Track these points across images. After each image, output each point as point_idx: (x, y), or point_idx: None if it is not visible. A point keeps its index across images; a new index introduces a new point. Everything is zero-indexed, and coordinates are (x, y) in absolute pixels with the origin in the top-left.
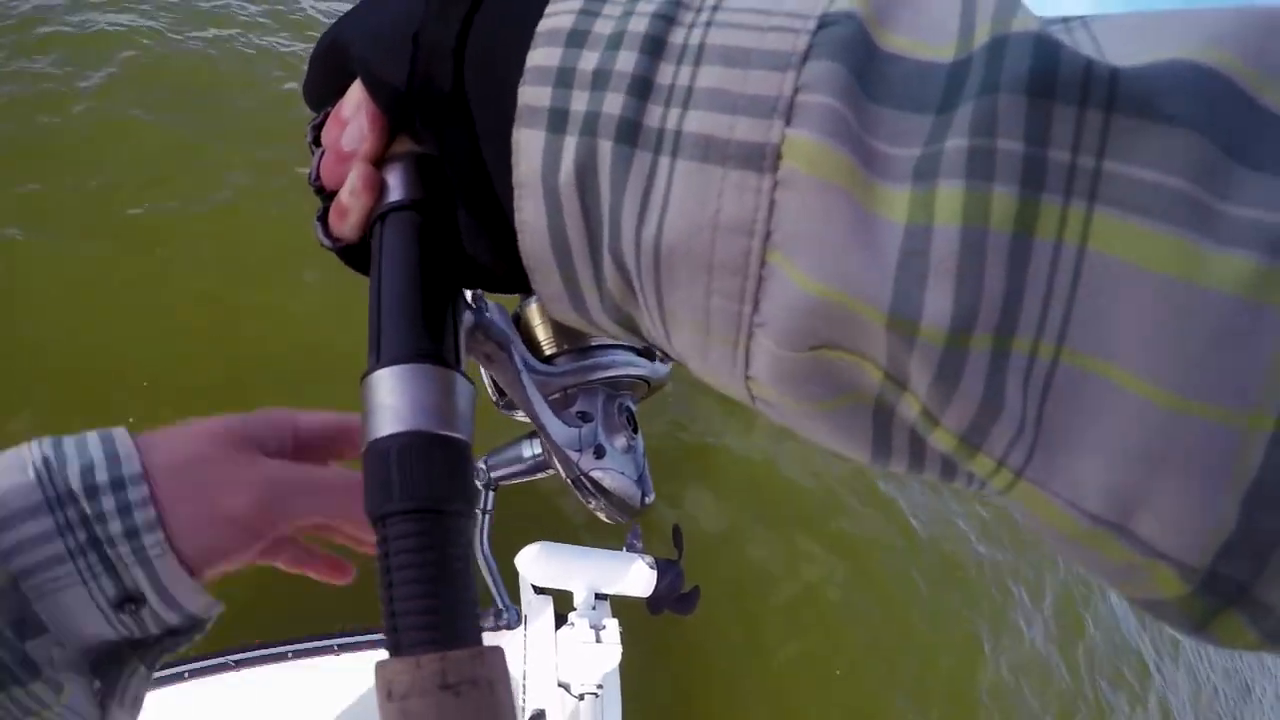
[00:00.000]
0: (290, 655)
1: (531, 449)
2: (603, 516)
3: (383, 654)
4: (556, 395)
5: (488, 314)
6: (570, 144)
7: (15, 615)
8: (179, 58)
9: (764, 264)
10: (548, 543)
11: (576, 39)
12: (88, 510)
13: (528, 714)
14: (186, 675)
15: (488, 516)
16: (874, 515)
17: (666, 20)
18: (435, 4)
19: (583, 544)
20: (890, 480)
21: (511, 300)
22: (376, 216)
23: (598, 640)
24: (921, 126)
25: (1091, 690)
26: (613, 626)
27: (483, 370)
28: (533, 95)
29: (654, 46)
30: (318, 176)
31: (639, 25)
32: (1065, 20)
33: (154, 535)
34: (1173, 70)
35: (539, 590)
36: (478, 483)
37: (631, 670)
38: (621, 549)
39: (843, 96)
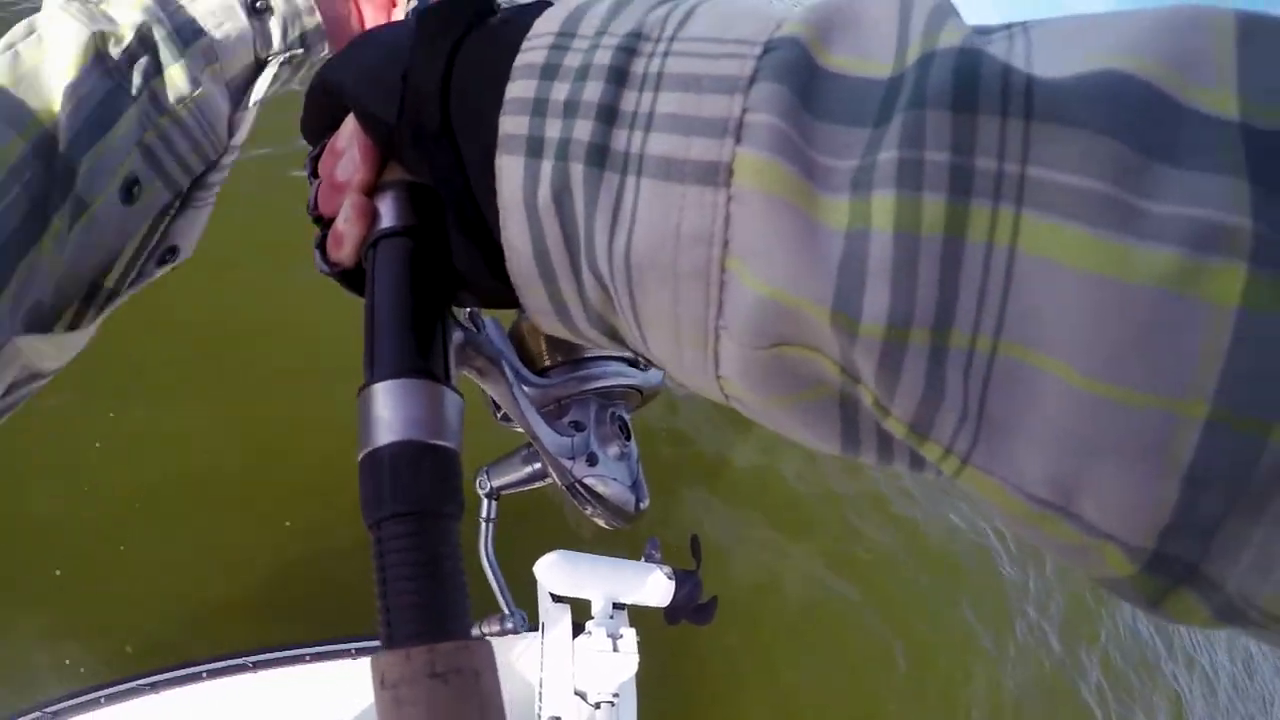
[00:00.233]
0: (308, 658)
1: (529, 460)
2: (600, 523)
3: None
4: (551, 406)
5: (484, 330)
6: (547, 168)
7: (180, 23)
8: None
9: (724, 270)
10: (566, 551)
11: (549, 72)
12: None
13: None
14: (205, 676)
15: (491, 525)
16: (885, 526)
17: (629, 52)
18: (422, 45)
19: (600, 554)
20: (902, 494)
21: (508, 315)
22: (370, 242)
23: (615, 649)
24: (860, 140)
25: (1093, 694)
26: (630, 636)
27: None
28: (512, 124)
29: (618, 76)
30: (315, 206)
31: (604, 58)
32: (1009, 27)
33: None
34: (1088, 78)
35: (557, 598)
36: (480, 492)
37: (647, 679)
38: (640, 559)
39: (786, 115)
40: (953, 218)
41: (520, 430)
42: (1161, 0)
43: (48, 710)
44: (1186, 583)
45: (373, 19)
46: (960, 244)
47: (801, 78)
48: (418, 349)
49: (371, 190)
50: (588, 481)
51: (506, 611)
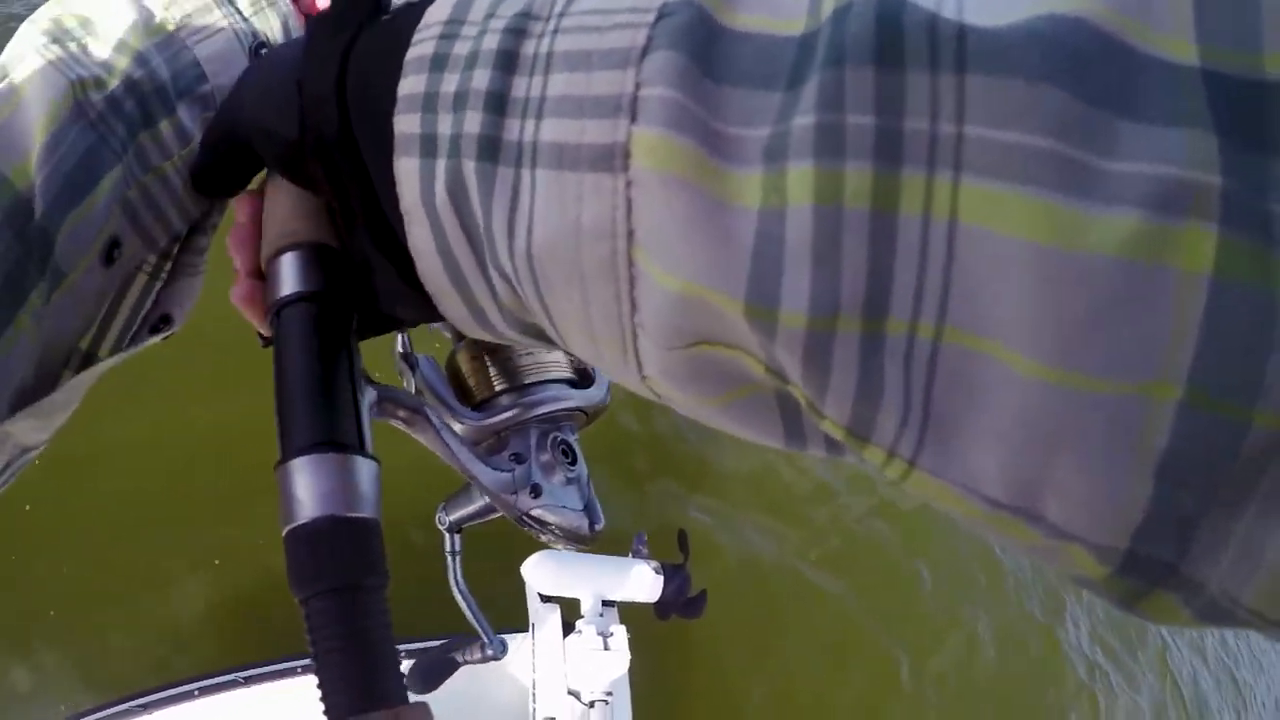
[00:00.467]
0: (299, 670)
1: (480, 494)
2: (559, 547)
3: (406, 664)
4: (491, 440)
5: (419, 369)
6: (441, 167)
7: (176, 68)
8: None
9: (632, 264)
10: (553, 550)
11: (439, 63)
12: None
13: None
14: (197, 694)
15: (457, 558)
16: (880, 516)
17: (518, 34)
18: (313, 50)
19: (588, 551)
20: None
21: (442, 348)
22: (274, 310)
23: (606, 647)
24: (773, 105)
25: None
26: (620, 633)
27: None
28: (405, 123)
29: (507, 61)
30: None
31: (492, 42)
32: None
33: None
34: (1029, 24)
35: (545, 598)
36: (440, 526)
37: (641, 676)
38: (627, 555)
39: (682, 85)
40: (881, 188)
41: None
42: None
43: None
44: (1165, 584)
45: None
46: (892, 218)
47: (701, 42)
48: (327, 421)
49: (256, 271)
50: (535, 513)
51: (486, 640)
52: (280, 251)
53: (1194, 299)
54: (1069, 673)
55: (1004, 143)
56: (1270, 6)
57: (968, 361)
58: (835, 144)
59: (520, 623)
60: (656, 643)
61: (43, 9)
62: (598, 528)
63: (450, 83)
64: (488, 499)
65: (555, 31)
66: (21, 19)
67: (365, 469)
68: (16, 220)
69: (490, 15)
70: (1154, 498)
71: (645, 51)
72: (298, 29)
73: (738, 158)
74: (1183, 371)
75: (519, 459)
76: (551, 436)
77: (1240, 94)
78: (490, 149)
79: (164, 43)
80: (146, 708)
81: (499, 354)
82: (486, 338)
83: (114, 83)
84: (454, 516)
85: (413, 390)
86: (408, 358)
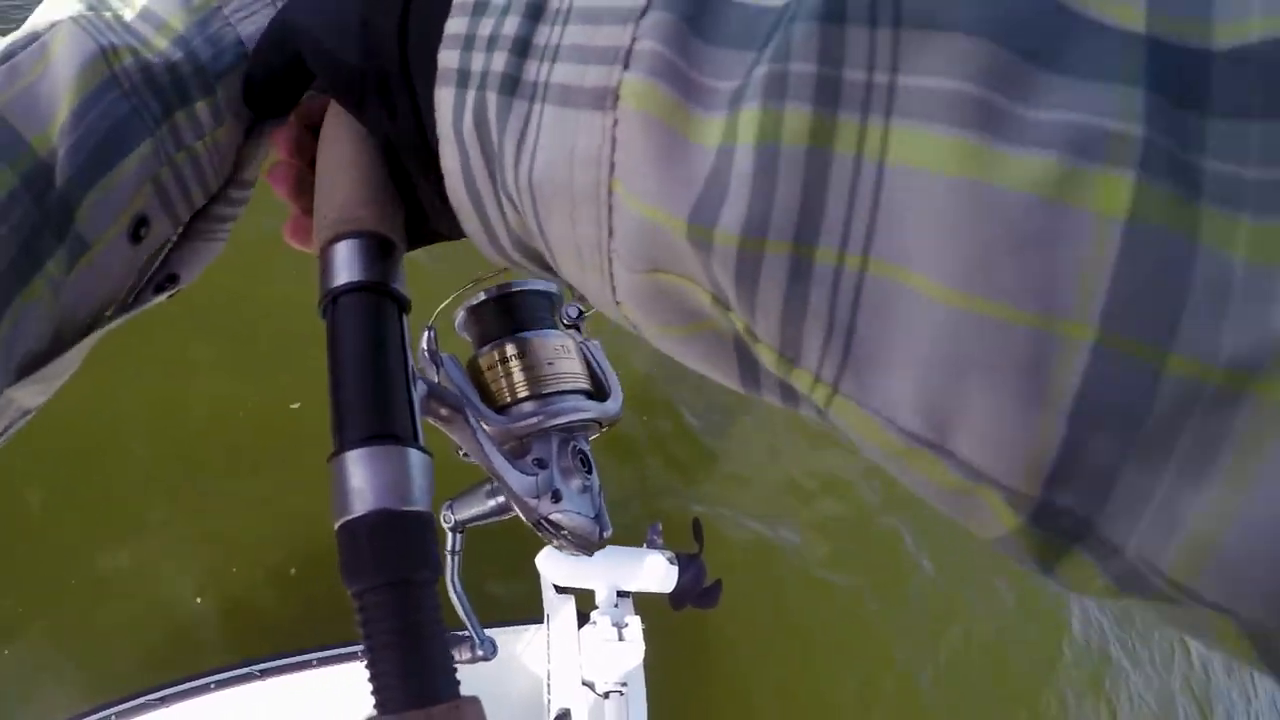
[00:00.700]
0: (315, 663)
1: (494, 494)
2: (565, 553)
3: None
4: (512, 443)
5: (443, 366)
6: (470, 98)
7: (216, 45)
8: None
9: (611, 193)
10: None
11: (480, 8)
12: None
13: (553, 713)
14: (213, 686)
15: (457, 557)
16: (894, 511)
17: None
18: None
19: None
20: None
21: (464, 350)
22: (329, 297)
23: (620, 638)
24: (746, 61)
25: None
26: (635, 624)
27: (439, 428)
28: (446, 58)
29: (535, 12)
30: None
31: None
32: None
33: None
34: None
35: (560, 590)
36: (445, 526)
37: (656, 667)
38: (642, 545)
39: (671, 41)
40: (818, 129)
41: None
42: None
43: None
44: (1081, 543)
45: None
46: (826, 156)
47: (692, 6)
48: (385, 413)
49: (297, 158)
50: (553, 518)
51: (476, 639)
52: (340, 237)
53: (1107, 240)
54: (1078, 667)
55: (932, 89)
56: None
57: (888, 290)
58: (779, 89)
59: (535, 613)
60: (671, 633)
61: None
62: (606, 535)
63: (487, 26)
64: (499, 501)
65: None
66: (30, 11)
67: (420, 462)
68: (35, 185)
69: None
70: (1068, 440)
71: (644, 11)
72: None
73: (709, 105)
74: (1095, 311)
75: (541, 464)
76: (571, 445)
77: (1184, 59)
78: (510, 85)
79: (206, 19)
80: (164, 701)
81: (523, 361)
82: (495, 259)
83: (151, 56)
84: (461, 516)
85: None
86: (434, 355)
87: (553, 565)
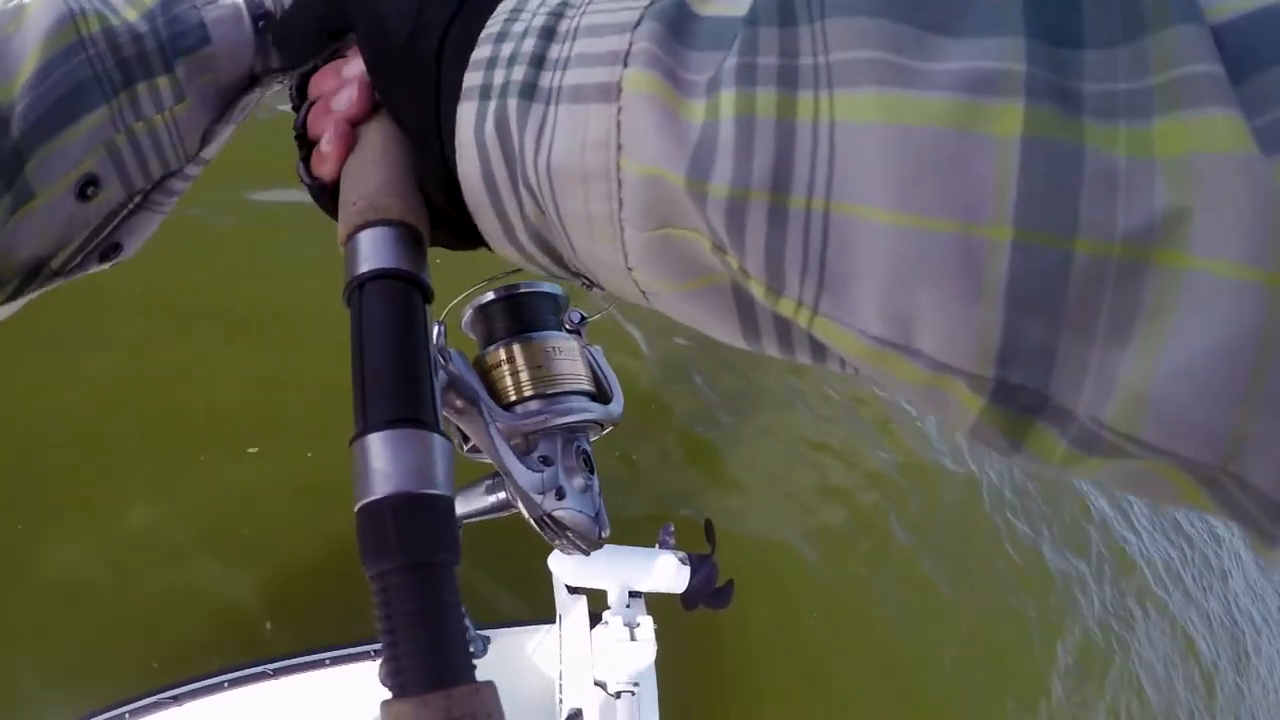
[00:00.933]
0: (328, 662)
1: (494, 490)
2: (564, 551)
3: None
4: (518, 440)
5: (451, 361)
6: (491, 107)
7: (180, 25)
8: None
9: (620, 170)
10: None
11: (501, 37)
12: None
13: (565, 713)
14: (226, 685)
15: None
16: (911, 510)
17: (557, 16)
18: None
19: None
20: (918, 479)
21: (469, 348)
22: (356, 283)
23: (632, 638)
24: (717, 59)
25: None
26: (647, 624)
27: (452, 420)
28: (471, 78)
29: (548, 34)
30: (304, 126)
31: (539, 21)
32: None
33: None
34: None
35: (572, 589)
36: None
37: (667, 667)
38: (654, 546)
39: (659, 44)
40: (782, 104)
41: (486, 461)
42: None
43: None
44: (1039, 414)
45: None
46: (790, 124)
47: (674, 19)
48: (410, 397)
49: (359, 122)
50: (556, 514)
51: (469, 636)
52: (370, 224)
53: (1009, 155)
54: (1083, 670)
55: (854, 59)
56: None
57: (848, 224)
58: (750, 76)
59: (547, 613)
60: (683, 634)
61: None
62: (604, 535)
63: (507, 49)
64: (499, 498)
65: (582, 14)
66: None
67: (443, 447)
68: None
69: (542, 4)
70: (1007, 323)
71: (638, 23)
72: None
73: (690, 93)
74: (1009, 214)
75: (547, 462)
76: (575, 445)
77: (1055, 7)
78: (529, 91)
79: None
80: (177, 699)
81: (529, 360)
82: (510, 254)
83: (119, 25)
84: (460, 510)
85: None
86: (441, 351)
87: (565, 565)
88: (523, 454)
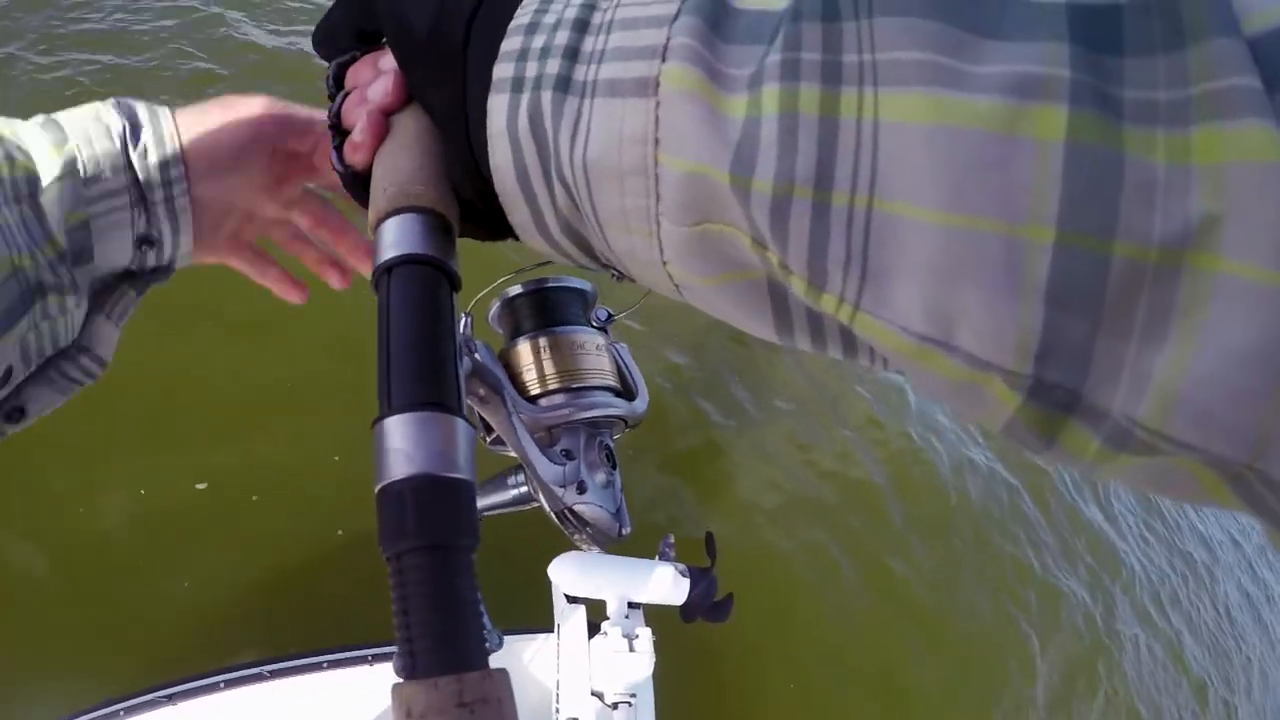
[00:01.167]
0: (325, 665)
1: (515, 484)
2: (583, 547)
3: None
4: (541, 433)
5: (477, 351)
6: (524, 99)
7: (79, 247)
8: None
9: (657, 164)
10: (580, 552)
11: (531, 29)
12: (144, 176)
13: None
14: (222, 686)
15: None
16: (912, 527)
17: (590, 7)
18: None
19: (614, 553)
20: (926, 486)
21: (495, 343)
22: (384, 267)
23: (631, 649)
24: (757, 54)
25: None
26: (646, 635)
27: (475, 409)
28: (501, 70)
29: (581, 26)
30: (338, 114)
31: (571, 13)
32: None
33: (183, 198)
34: None
35: (571, 599)
36: None
37: (665, 679)
38: (654, 558)
39: (698, 38)
40: (826, 101)
41: (510, 455)
42: None
43: None
44: (1073, 412)
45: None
46: (834, 121)
47: (713, 13)
48: (435, 381)
49: (393, 112)
50: (577, 509)
51: (487, 629)
52: (400, 210)
53: (1053, 158)
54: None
55: (901, 59)
56: None
57: (890, 221)
58: (794, 71)
59: (545, 622)
60: (680, 646)
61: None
62: (625, 532)
63: (539, 41)
64: (519, 491)
65: (617, 6)
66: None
67: (466, 433)
68: None
69: None
70: (1047, 323)
71: (675, 17)
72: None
73: (730, 87)
74: (1051, 216)
75: (569, 455)
76: (598, 439)
77: (1097, 14)
78: (564, 84)
79: (78, 229)
80: (171, 699)
81: (555, 354)
82: (540, 246)
83: (41, 260)
84: (481, 503)
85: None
86: (467, 342)
87: (565, 574)
88: (545, 447)
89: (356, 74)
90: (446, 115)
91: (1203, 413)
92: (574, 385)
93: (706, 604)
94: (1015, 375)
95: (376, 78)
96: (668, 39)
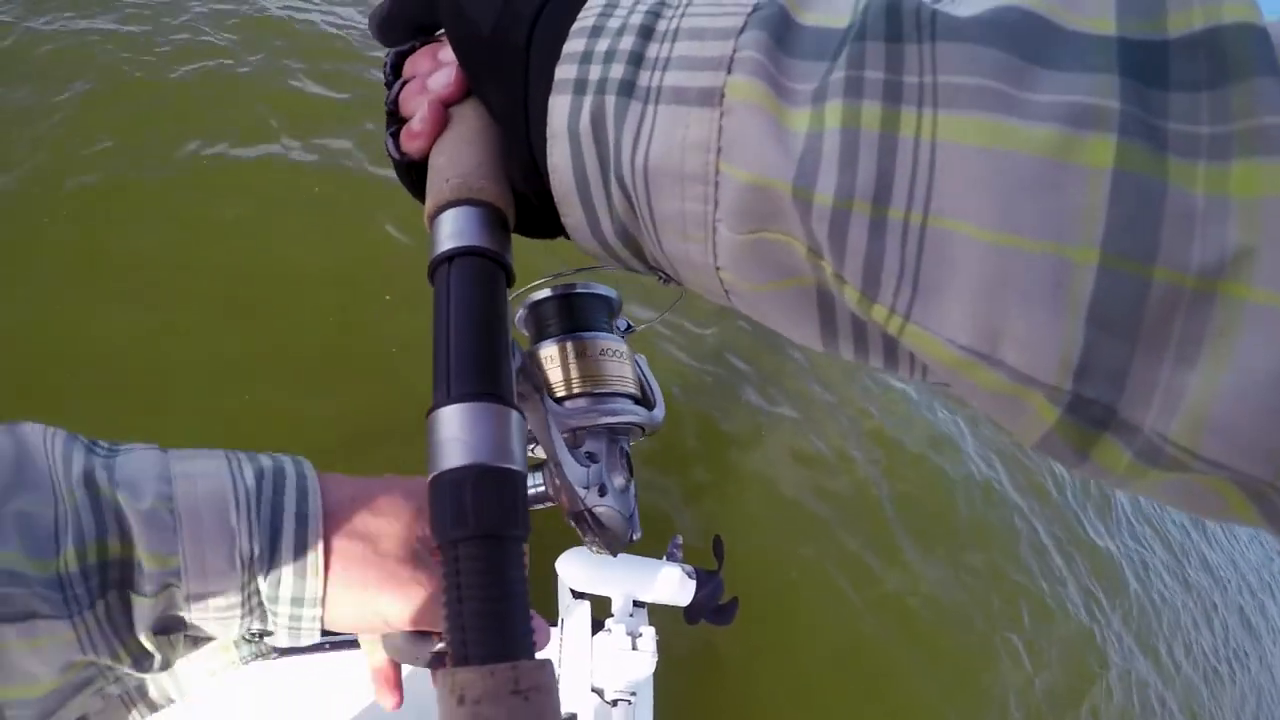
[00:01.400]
0: (327, 647)
1: (533, 484)
2: (593, 549)
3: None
4: (566, 435)
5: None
6: (587, 102)
7: (163, 624)
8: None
9: (718, 172)
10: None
11: (595, 32)
12: (268, 594)
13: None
14: None
15: None
16: (914, 530)
17: (655, 14)
18: None
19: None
20: (929, 494)
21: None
22: (444, 258)
23: (633, 647)
24: (821, 70)
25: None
26: (649, 634)
27: None
28: (564, 71)
29: (646, 33)
30: (395, 101)
31: (636, 19)
32: None
33: (314, 616)
34: (983, 11)
35: (577, 594)
36: None
37: (664, 678)
38: (662, 558)
39: (764, 52)
40: (887, 119)
41: (533, 454)
42: None
43: None
44: (1108, 428)
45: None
46: (894, 138)
47: (778, 27)
48: (493, 373)
49: (453, 103)
50: (596, 511)
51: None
52: (460, 202)
53: (1100, 186)
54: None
55: (960, 84)
56: None
57: (943, 238)
58: (857, 89)
59: (548, 615)
60: (682, 646)
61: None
62: (635, 537)
63: (603, 44)
64: (539, 490)
65: (682, 15)
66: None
67: (520, 425)
68: None
69: (637, 1)
70: (1087, 340)
71: (742, 30)
72: None
73: (794, 101)
74: (1097, 239)
75: (593, 458)
76: (619, 445)
77: (1145, 50)
78: (628, 89)
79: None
80: None
81: (581, 358)
82: (592, 248)
83: (122, 666)
84: None
85: None
86: None
87: (572, 570)
88: (571, 448)
89: (416, 63)
90: (506, 112)
91: (1230, 431)
92: (598, 390)
93: (711, 606)
94: (1055, 390)
95: (437, 69)
96: (734, 51)
